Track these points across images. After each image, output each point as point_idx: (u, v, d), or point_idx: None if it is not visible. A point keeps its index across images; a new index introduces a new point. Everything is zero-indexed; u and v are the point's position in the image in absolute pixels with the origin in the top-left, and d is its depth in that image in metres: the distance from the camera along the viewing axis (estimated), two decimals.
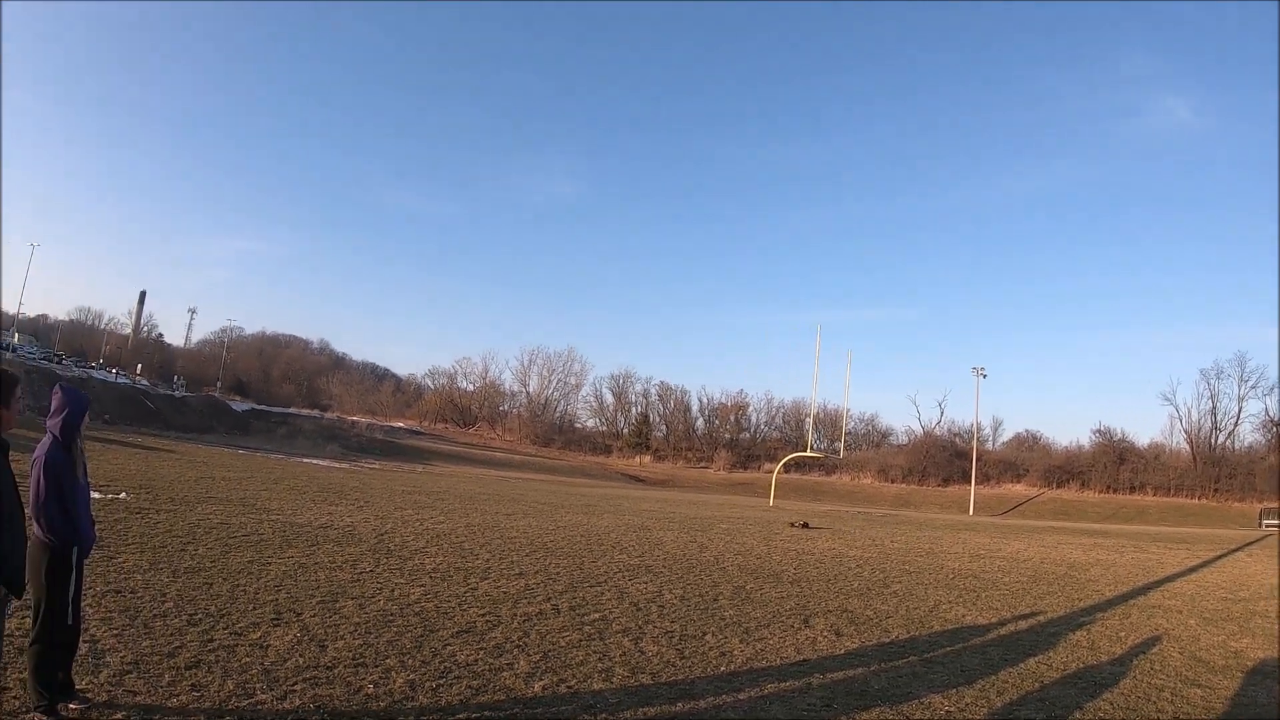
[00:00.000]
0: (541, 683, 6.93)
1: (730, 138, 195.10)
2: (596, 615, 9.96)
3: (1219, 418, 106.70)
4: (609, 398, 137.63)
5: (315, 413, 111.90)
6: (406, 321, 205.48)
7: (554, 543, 17.08)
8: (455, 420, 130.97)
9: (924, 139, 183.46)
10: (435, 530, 17.09)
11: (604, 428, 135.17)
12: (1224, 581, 19.85)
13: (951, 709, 7.37)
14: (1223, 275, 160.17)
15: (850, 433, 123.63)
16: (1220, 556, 27.80)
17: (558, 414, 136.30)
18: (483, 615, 9.25)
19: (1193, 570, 22.37)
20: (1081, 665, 9.65)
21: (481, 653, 7.65)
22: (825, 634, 10.22)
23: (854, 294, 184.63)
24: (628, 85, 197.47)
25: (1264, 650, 11.49)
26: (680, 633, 9.42)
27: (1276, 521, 70.03)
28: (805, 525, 29.00)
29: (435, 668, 7.03)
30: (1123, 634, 11.98)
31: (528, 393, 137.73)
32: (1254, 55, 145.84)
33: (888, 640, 10.29)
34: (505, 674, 7.07)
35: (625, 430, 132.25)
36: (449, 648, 7.71)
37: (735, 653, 8.71)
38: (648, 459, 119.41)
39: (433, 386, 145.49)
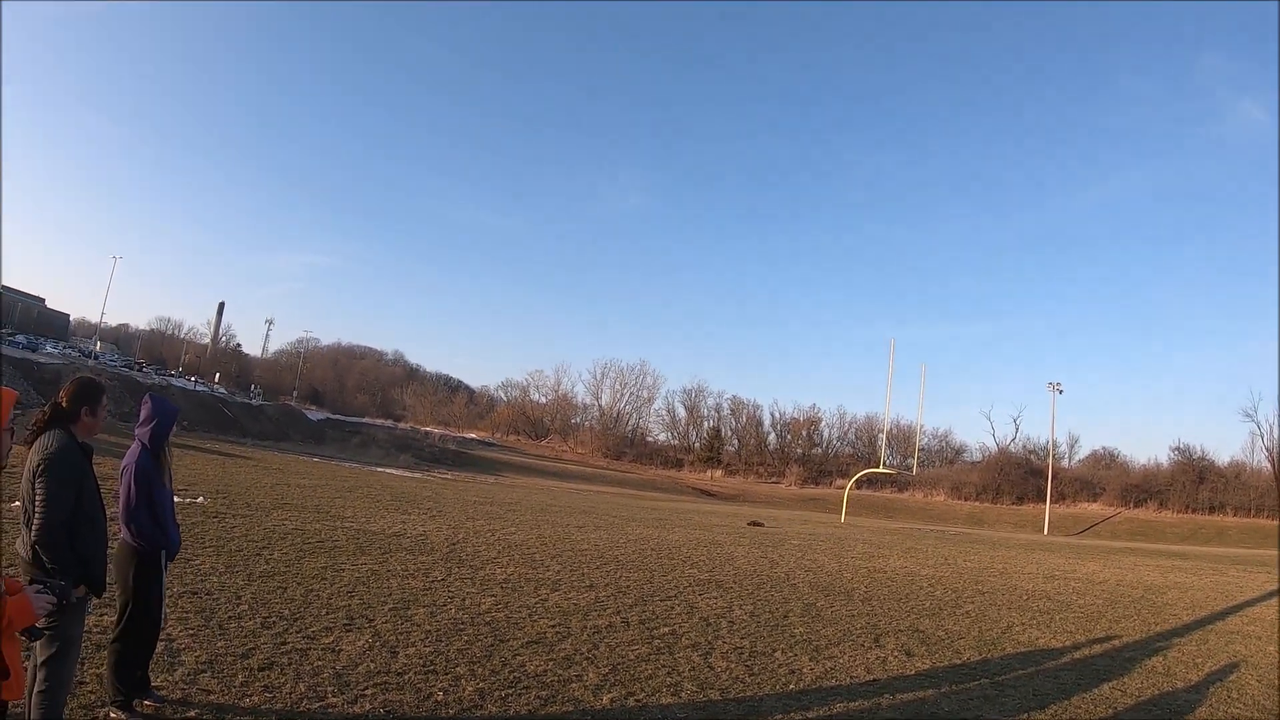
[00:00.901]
0: (610, 695, 6.94)
1: (804, 147, 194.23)
2: (666, 629, 9.94)
3: None
4: (680, 411, 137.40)
5: (389, 423, 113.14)
6: (479, 334, 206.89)
7: (624, 556, 17.08)
8: (527, 432, 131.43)
9: (1002, 150, 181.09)
10: (507, 541, 17.17)
11: (675, 441, 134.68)
12: None
13: None
14: None
15: (923, 449, 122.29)
16: None
17: (629, 427, 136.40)
18: (553, 626, 9.28)
19: (1272, 595, 21.77)
20: (1157, 692, 9.49)
21: (551, 664, 7.68)
22: (896, 654, 10.14)
23: (928, 308, 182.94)
24: (699, 95, 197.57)
25: None
26: (749, 649, 9.38)
27: None
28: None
29: (504, 677, 7.07)
30: (1200, 660, 11.75)
31: (600, 405, 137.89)
32: None
33: (959, 662, 10.19)
34: (574, 685, 7.09)
35: (696, 444, 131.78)
36: (519, 658, 7.75)
37: (804, 671, 8.67)
38: (719, 473, 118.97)
39: (505, 399, 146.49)
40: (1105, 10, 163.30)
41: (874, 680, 8.67)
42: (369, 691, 6.26)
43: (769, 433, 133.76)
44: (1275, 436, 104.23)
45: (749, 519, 38.67)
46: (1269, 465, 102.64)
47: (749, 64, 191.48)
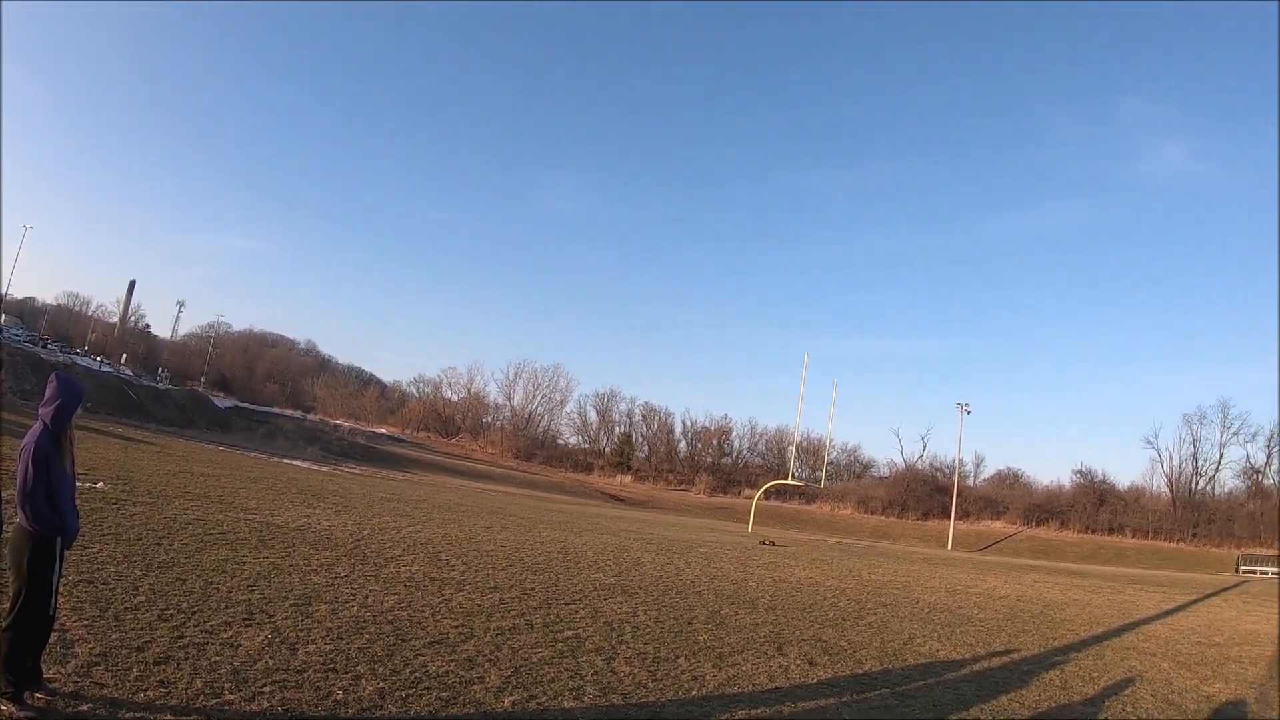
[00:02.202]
0: (512, 698, 6.90)
1: (734, 162, 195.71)
2: (570, 633, 9.92)
3: (1200, 463, 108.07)
4: (592, 415, 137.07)
5: (298, 414, 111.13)
6: (394, 328, 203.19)
7: (531, 558, 17.03)
8: (438, 430, 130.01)
9: (927, 175, 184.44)
10: (412, 539, 17.02)
11: (586, 445, 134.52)
12: (1199, 626, 19.94)
13: None
14: (1208, 321, 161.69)
15: (832, 463, 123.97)
16: (1196, 601, 27.93)
17: (541, 429, 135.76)
18: (456, 627, 9.21)
19: (1168, 614, 22.44)
20: (1054, 704, 9.72)
21: (453, 664, 7.62)
22: (799, 662, 10.23)
23: (843, 324, 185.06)
24: (636, 106, 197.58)
25: (1236, 695, 11.61)
26: (653, 655, 9.39)
27: (1255, 568, 71.37)
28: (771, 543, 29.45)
29: (405, 677, 6.99)
30: (1096, 674, 12.05)
31: (512, 406, 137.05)
32: (1250, 105, 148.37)
33: (860, 671, 10.31)
34: (476, 687, 7.03)
35: (607, 449, 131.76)
36: (420, 658, 7.68)
37: (707, 677, 8.69)
38: (628, 479, 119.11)
39: (417, 395, 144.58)
40: (1032, 49, 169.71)
41: (776, 688, 8.72)
42: (267, 689, 6.14)
43: (680, 440, 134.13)
44: (1175, 463, 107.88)
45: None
46: (1168, 490, 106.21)
47: (680, 71, 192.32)
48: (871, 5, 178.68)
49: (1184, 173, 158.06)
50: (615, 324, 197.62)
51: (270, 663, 6.78)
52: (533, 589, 12.94)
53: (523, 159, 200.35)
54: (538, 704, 6.87)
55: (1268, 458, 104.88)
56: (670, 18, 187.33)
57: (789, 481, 71.78)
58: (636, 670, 8.53)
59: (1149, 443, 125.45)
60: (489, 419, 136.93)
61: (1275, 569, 71.65)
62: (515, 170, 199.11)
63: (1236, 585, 42.71)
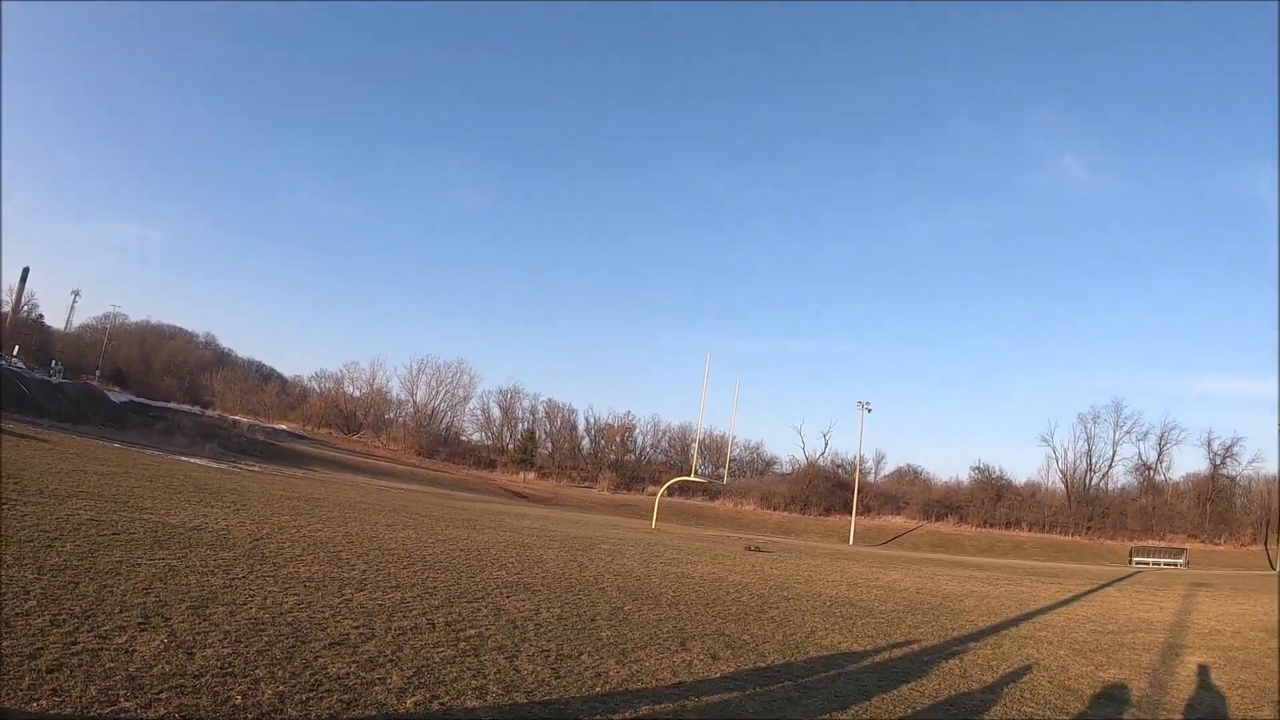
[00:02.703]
0: (414, 698, 6.84)
1: (641, 160, 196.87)
2: (473, 632, 9.86)
3: (1094, 460, 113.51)
4: (496, 412, 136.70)
5: (195, 409, 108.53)
6: (296, 321, 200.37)
7: (433, 556, 16.89)
8: (339, 426, 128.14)
9: (833, 176, 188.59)
10: (312, 538, 16.79)
11: (490, 442, 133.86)
12: (1094, 615, 20.49)
13: None
14: (1102, 324, 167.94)
15: (735, 460, 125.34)
16: (1090, 591, 28.69)
17: (444, 426, 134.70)
18: (356, 628, 9.10)
19: (1064, 604, 23.01)
20: (954, 692, 9.88)
21: (354, 666, 7.53)
22: (702, 657, 10.26)
23: (745, 323, 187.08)
24: (542, 100, 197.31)
25: (1130, 679, 11.97)
26: (556, 652, 9.37)
27: (1147, 559, 74.55)
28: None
29: (306, 680, 6.89)
30: (994, 663, 12.30)
31: (414, 402, 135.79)
32: (1147, 123, 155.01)
33: (764, 664, 10.38)
34: (377, 688, 6.96)
35: (511, 446, 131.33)
36: (320, 660, 7.58)
37: (611, 674, 8.70)
38: (532, 476, 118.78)
39: (318, 390, 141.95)
40: (940, 60, 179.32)
41: (680, 683, 8.76)
42: (164, 695, 6.01)
43: (583, 437, 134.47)
44: (1070, 460, 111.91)
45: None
46: (1063, 486, 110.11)
47: (586, 67, 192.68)
48: (778, 4, 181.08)
49: (1082, 183, 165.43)
50: (519, 320, 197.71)
51: (166, 668, 6.64)
52: (435, 587, 12.83)
53: (425, 152, 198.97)
54: (440, 704, 6.82)
55: (1159, 455, 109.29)
56: (581, 17, 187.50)
57: (692, 478, 72.20)
58: (540, 668, 8.50)
59: (1045, 441, 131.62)
60: (391, 415, 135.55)
61: (1166, 560, 75.08)
62: (417, 162, 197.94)
63: (1129, 576, 44.20)
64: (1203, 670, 13.16)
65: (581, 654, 9.45)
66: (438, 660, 8.20)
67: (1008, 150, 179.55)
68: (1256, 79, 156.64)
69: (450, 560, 16.66)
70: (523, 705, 7.12)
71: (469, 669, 8.05)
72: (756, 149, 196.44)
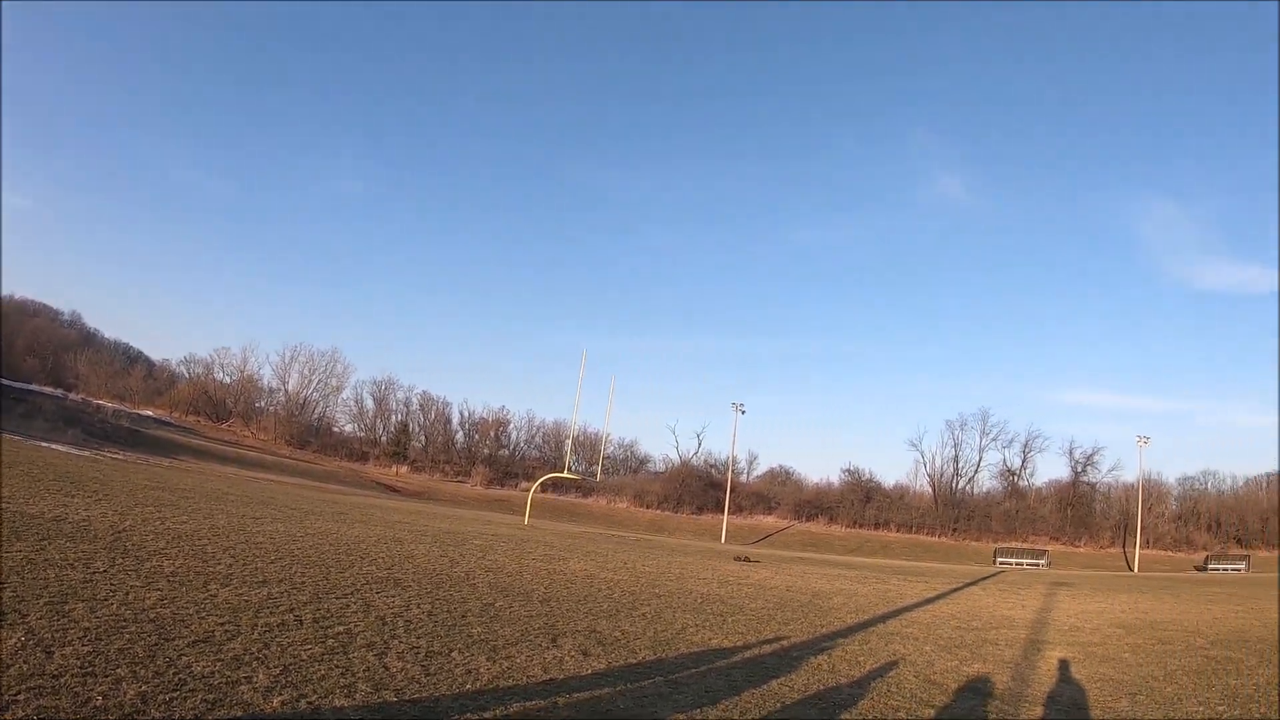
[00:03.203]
0: (281, 698, 6.74)
1: (519, 154, 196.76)
2: (341, 628, 9.74)
3: (960, 465, 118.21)
4: (369, 403, 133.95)
5: (59, 392, 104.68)
6: (166, 301, 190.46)
7: (301, 550, 16.61)
8: (208, 413, 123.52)
9: (718, 180, 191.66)
10: (177, 531, 16.40)
11: (362, 434, 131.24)
12: (958, 612, 21.09)
13: None
14: (970, 336, 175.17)
15: (609, 457, 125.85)
16: (956, 590, 29.48)
17: (316, 416, 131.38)
18: (222, 624, 8.92)
19: (930, 601, 23.63)
20: (822, 687, 10.10)
21: (219, 664, 7.39)
22: (573, 654, 10.30)
23: (622, 321, 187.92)
24: (423, 89, 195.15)
25: (993, 673, 12.42)
26: (426, 649, 9.32)
27: (1010, 560, 77.56)
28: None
29: (169, 679, 6.74)
30: (862, 658, 12.60)
31: (286, 391, 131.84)
32: (1021, 149, 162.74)
33: (634, 661, 10.46)
34: (243, 687, 6.84)
35: (383, 438, 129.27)
36: (184, 658, 7.42)
37: (482, 671, 8.69)
38: (405, 469, 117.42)
39: (188, 375, 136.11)
40: (836, 72, 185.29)
41: (551, 680, 8.78)
42: (21, 697, 5.83)
43: (457, 431, 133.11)
44: (937, 465, 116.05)
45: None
46: (930, 489, 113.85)
47: (468, 63, 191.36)
48: (676, 5, 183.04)
49: (959, 202, 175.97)
50: (395, 309, 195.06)
51: (24, 668, 6.45)
52: (303, 583, 12.65)
53: (301, 134, 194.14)
54: (308, 703, 6.74)
55: (1023, 462, 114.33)
56: (463, 16, 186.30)
57: (566, 475, 72.03)
58: (410, 665, 8.45)
59: (914, 445, 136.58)
60: (262, 404, 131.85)
61: (1029, 561, 78.13)
62: (298, 145, 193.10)
63: (993, 575, 45.52)
64: (1063, 664, 13.68)
65: (452, 651, 9.42)
66: (305, 658, 8.09)
67: (892, 166, 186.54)
68: (1124, 109, 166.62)
69: (319, 555, 16.42)
70: (392, 704, 7.07)
71: (337, 667, 7.96)
72: (649, 149, 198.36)
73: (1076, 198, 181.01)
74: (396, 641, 9.50)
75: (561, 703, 7.92)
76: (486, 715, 7.16)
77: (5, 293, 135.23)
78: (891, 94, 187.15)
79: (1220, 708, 10.77)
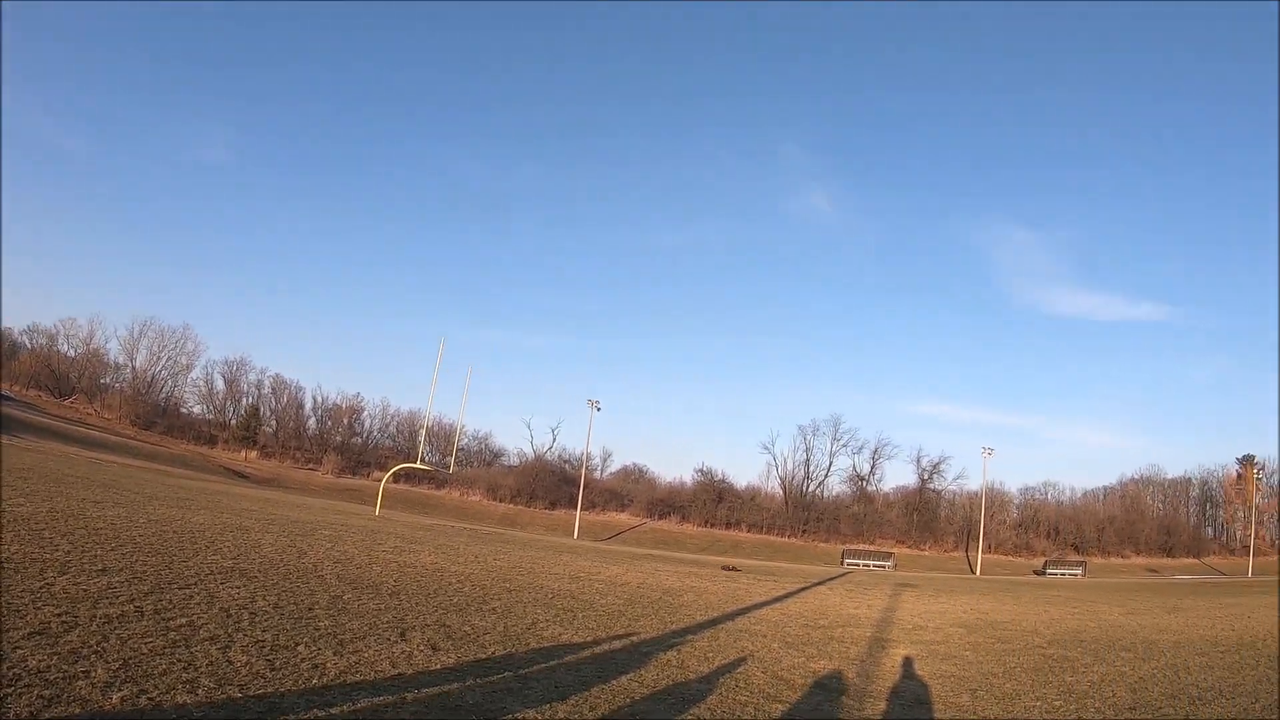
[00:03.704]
0: (120, 694, 6.55)
1: (380, 137, 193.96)
2: (183, 620, 9.49)
3: (811, 469, 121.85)
4: (220, 384, 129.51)
5: None
6: (7, 264, 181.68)
7: (143, 538, 16.11)
8: (51, 389, 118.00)
9: (591, 181, 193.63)
10: (12, 514, 15.80)
11: (211, 416, 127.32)
12: (806, 611, 21.54)
13: None
14: (826, 345, 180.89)
15: (463, 449, 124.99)
16: (804, 589, 30.10)
17: (163, 395, 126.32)
18: (58, 615, 8.64)
19: (779, 600, 24.10)
20: (671, 683, 10.23)
21: (55, 658, 7.16)
22: (422, 648, 10.24)
23: (482, 313, 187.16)
24: (303, 62, 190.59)
25: (839, 669, 12.81)
26: (272, 643, 9.15)
27: (857, 561, 79.99)
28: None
29: (3, 674, 6.52)
30: (711, 655, 12.81)
31: (134, 367, 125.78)
32: (883, 171, 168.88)
33: (484, 656, 10.44)
34: (80, 683, 6.63)
35: (234, 422, 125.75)
36: (19, 651, 7.17)
37: (328, 665, 8.58)
38: (254, 455, 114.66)
39: (30, 346, 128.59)
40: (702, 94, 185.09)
41: (400, 675, 8.72)
42: None
43: (309, 417, 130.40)
44: (789, 468, 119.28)
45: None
46: (781, 491, 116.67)
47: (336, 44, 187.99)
48: (549, 5, 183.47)
49: (824, 215, 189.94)
50: (250, 287, 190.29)
51: None
52: (144, 572, 12.29)
53: (168, 94, 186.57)
54: (149, 699, 6.55)
55: (872, 467, 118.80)
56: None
57: (419, 465, 71.59)
58: (254, 659, 8.29)
59: (766, 448, 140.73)
60: (108, 380, 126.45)
61: (875, 562, 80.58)
62: (160, 104, 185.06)
63: (841, 576, 46.75)
64: (907, 662, 14.12)
65: (298, 645, 9.28)
66: (146, 651, 7.88)
67: (762, 177, 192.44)
68: (985, 138, 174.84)
69: (162, 543, 15.96)
70: (236, 700, 6.94)
71: (179, 661, 7.77)
72: (520, 146, 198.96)
73: (936, 219, 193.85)
74: (241, 635, 9.31)
75: (410, 698, 7.86)
76: (333, 712, 7.08)
77: None
78: (765, 105, 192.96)
79: (1057, 703, 11.22)
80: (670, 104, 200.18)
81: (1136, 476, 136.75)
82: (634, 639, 13.49)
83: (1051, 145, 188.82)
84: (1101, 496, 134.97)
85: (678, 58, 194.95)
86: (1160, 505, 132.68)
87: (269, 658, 8.49)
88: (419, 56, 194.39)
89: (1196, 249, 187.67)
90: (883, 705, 10.50)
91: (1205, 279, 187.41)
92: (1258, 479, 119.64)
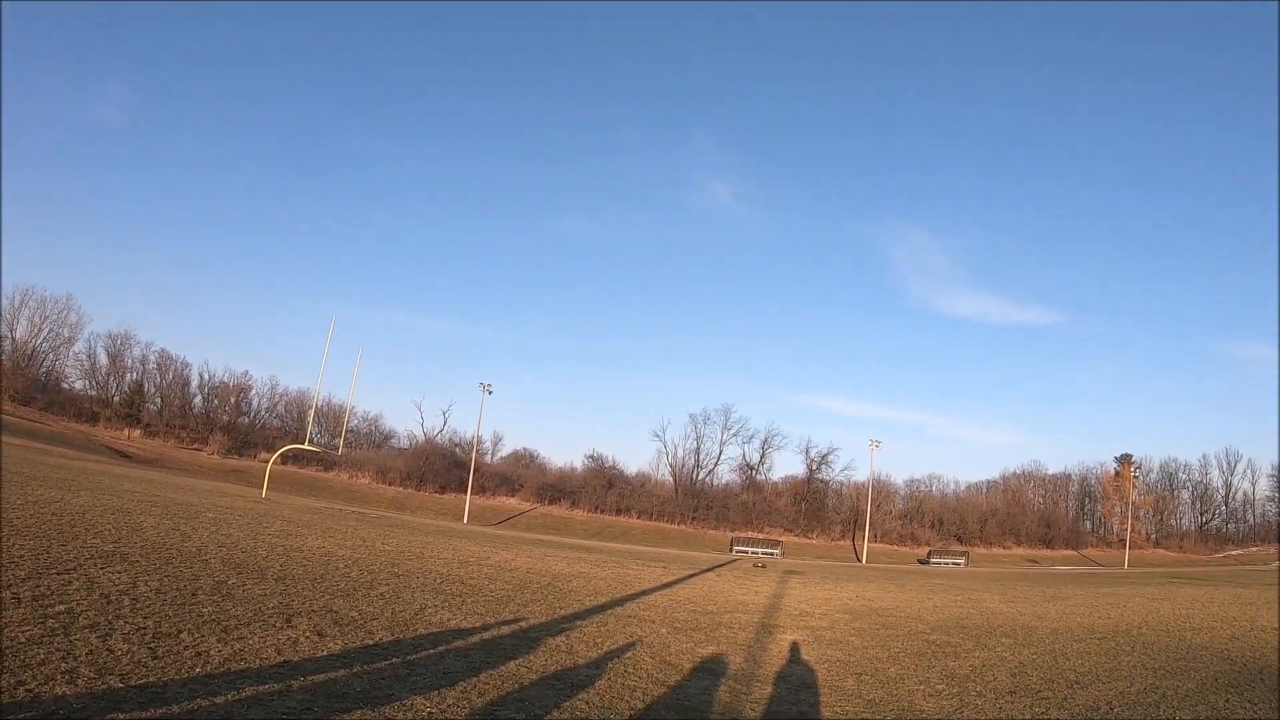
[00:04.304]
0: None
1: (304, 112, 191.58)
2: (62, 608, 9.31)
3: (702, 457, 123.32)
4: (103, 358, 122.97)
5: None
6: None
7: (20, 521, 15.73)
8: None
9: (485, 161, 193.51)
10: None
11: (94, 393, 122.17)
12: (695, 597, 21.74)
13: (433, 710, 7.62)
14: (719, 335, 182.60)
15: (352, 430, 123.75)
16: (693, 575, 30.34)
17: (44, 370, 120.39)
18: None
19: (668, 586, 24.28)
20: (560, 668, 10.30)
21: None
22: (308, 634, 10.18)
23: (374, 293, 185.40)
24: (196, 14, 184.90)
25: (727, 654, 13.00)
26: (154, 630, 9.02)
27: (746, 548, 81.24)
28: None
29: None
30: (600, 640, 12.90)
31: (14, 339, 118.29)
32: (788, 167, 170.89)
33: (371, 642, 10.41)
34: None
35: (117, 399, 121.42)
36: None
37: (212, 653, 8.48)
38: (138, 434, 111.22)
39: None
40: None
41: (285, 662, 8.65)
42: None
43: (195, 395, 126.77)
44: (679, 455, 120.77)
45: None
46: (672, 479, 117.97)
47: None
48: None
49: (727, 209, 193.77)
50: (134, 256, 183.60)
51: None
52: (21, 557, 12.01)
53: (56, 56, 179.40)
54: (27, 690, 6.43)
55: (761, 457, 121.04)
56: None
57: (307, 446, 70.64)
58: (136, 648, 8.17)
59: (657, 436, 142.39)
60: None
61: (764, 550, 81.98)
62: (44, 63, 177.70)
63: (729, 563, 47.01)
64: (794, 647, 14.37)
65: (181, 632, 9.15)
66: (23, 640, 7.73)
67: (669, 168, 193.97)
68: (884, 141, 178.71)
69: (40, 526, 15.60)
70: (118, 690, 6.83)
71: (58, 650, 7.63)
72: (425, 119, 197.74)
73: (838, 218, 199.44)
74: (122, 622, 9.15)
75: (295, 686, 7.80)
76: (217, 701, 7.00)
77: None
78: (675, 99, 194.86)
79: (940, 687, 11.51)
80: (578, 94, 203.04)
81: (1019, 471, 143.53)
82: (523, 624, 13.54)
83: (956, 153, 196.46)
84: (984, 490, 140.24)
85: (592, 53, 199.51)
86: (1041, 499, 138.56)
87: (151, 646, 8.36)
88: (324, 31, 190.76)
89: (1084, 258, 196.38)
90: (770, 689, 10.68)
91: (1090, 287, 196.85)
92: (1135, 477, 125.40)
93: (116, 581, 11.49)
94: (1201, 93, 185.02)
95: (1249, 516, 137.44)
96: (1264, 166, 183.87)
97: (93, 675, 7.08)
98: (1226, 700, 11.03)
